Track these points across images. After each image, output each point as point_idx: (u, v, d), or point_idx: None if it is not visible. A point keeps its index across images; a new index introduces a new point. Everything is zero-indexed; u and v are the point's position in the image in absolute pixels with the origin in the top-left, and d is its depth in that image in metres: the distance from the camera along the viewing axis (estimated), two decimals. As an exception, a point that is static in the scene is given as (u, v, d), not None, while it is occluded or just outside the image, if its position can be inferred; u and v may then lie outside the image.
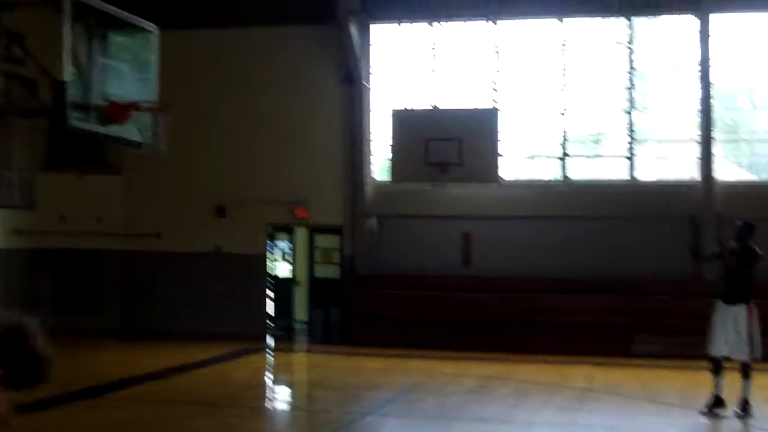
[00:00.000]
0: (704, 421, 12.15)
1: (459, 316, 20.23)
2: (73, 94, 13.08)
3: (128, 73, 14.41)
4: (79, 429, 11.03)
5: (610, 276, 20.25)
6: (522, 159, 21.52)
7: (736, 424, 11.97)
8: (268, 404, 14.08)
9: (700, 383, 15.52)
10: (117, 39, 14.66)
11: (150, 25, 14.86)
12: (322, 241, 22.66)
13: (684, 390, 14.78)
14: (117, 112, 13.77)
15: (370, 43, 21.98)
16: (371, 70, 22.03)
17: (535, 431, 11.49)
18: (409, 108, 21.12)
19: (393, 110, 20.52)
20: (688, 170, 20.69)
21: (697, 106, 20.45)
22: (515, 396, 13.87)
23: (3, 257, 20.78)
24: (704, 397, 14.05)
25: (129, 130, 14.23)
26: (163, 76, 15.20)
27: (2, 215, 20.79)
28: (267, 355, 19.63)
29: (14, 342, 3.09)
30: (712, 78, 20.30)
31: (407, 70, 21.93)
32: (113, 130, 13.96)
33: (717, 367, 12.33)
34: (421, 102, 21.67)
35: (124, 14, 14.28)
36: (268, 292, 22.47)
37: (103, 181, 22.56)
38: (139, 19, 14.69)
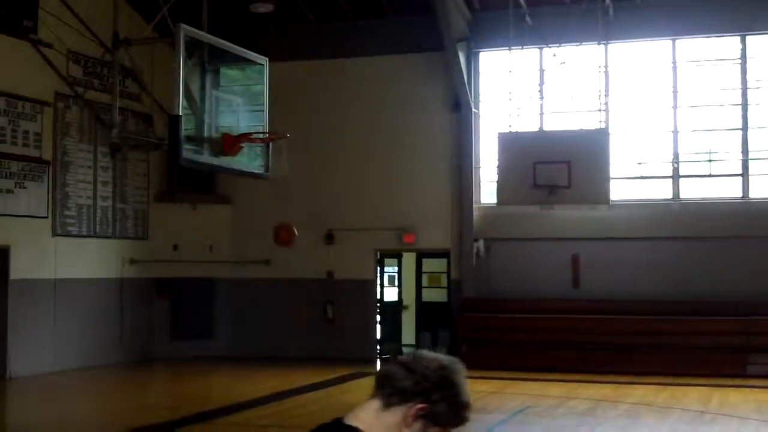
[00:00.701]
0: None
1: (568, 339, 20.12)
2: (186, 127, 13.47)
3: (240, 104, 14.80)
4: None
5: (724, 297, 19.94)
6: (632, 179, 21.34)
7: None
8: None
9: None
10: (228, 72, 15.08)
11: (260, 58, 15.23)
12: (430, 265, 22.81)
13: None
14: (229, 143, 14.12)
15: (479, 69, 22.14)
16: (480, 96, 22.18)
17: (648, 454, 11.40)
18: (515, 131, 21.17)
19: (499, 133, 20.59)
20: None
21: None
22: (626, 418, 13.76)
23: (120, 286, 21.39)
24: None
25: (241, 161, 14.58)
26: (273, 106, 15.56)
27: (119, 246, 21.42)
28: (377, 380, 19.75)
29: (445, 380, 3.25)
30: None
31: (515, 94, 21.99)
32: (226, 161, 14.32)
33: None
34: (529, 125, 21.72)
35: (236, 48, 14.67)
36: (377, 316, 22.70)
37: (214, 210, 23.09)
38: (250, 52, 15.08)
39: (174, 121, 13.11)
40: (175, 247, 22.66)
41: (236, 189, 22.65)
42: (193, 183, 22.01)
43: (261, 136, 14.53)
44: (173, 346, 22.40)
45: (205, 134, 13.89)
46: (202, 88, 14.12)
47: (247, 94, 15.30)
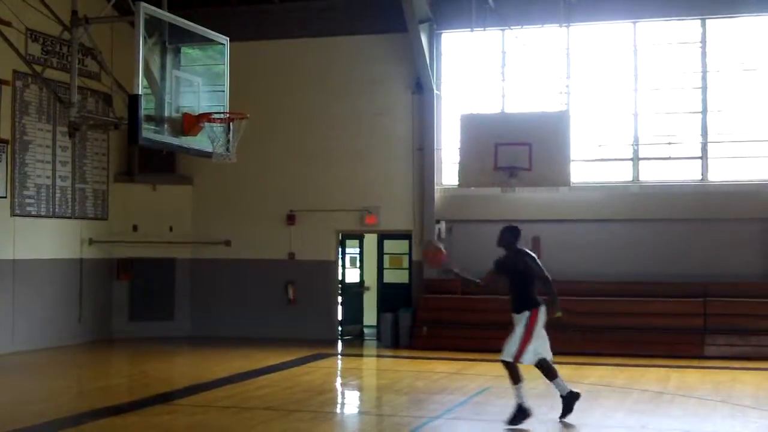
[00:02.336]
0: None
1: (529, 320, 20.18)
2: (146, 106, 13.37)
3: (200, 84, 14.70)
4: (154, 433, 11.29)
5: (682, 279, 20.15)
6: (592, 162, 21.45)
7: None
8: (337, 409, 14.23)
9: (773, 386, 15.46)
10: (189, 51, 14.98)
11: (221, 37, 15.14)
12: (392, 246, 22.84)
13: (758, 392, 14.67)
14: (190, 123, 14.05)
15: (441, 50, 22.15)
16: (442, 78, 22.18)
17: (606, 435, 11.50)
18: (477, 112, 21.21)
19: (461, 115, 20.62)
20: (762, 170, 20.49)
21: (770, 105, 20.29)
22: (586, 399, 13.81)
23: (79, 266, 21.26)
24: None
25: (201, 141, 14.50)
26: (234, 86, 15.47)
27: (78, 226, 21.28)
28: (337, 360, 19.82)
29: None
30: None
31: (477, 75, 22.03)
32: (186, 141, 14.24)
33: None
34: (491, 107, 21.77)
35: (197, 27, 14.57)
36: (338, 297, 22.73)
37: (174, 190, 22.99)
38: (211, 31, 14.98)
39: (134, 100, 13.03)
40: (135, 228, 22.58)
41: (197, 169, 22.58)
42: (153, 163, 21.88)
43: (221, 116, 14.46)
44: (133, 327, 22.33)
45: (166, 114, 13.81)
46: (163, 67, 14.03)
47: (208, 74, 15.20)
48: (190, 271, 23.14)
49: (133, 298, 22.65)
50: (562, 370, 16.72)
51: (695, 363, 18.12)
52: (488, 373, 16.70)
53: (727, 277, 20.03)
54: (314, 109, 22.62)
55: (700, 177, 20.82)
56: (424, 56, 21.39)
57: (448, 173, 22.13)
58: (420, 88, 21.85)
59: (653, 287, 20.20)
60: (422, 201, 21.86)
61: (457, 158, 20.78)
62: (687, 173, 21.00)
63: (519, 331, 12.16)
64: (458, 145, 20.58)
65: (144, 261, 22.54)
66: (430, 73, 21.64)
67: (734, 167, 20.79)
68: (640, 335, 19.50)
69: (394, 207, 22.07)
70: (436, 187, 21.83)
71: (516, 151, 19.53)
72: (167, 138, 13.90)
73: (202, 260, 23.02)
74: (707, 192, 20.58)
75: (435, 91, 21.84)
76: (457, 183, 21.14)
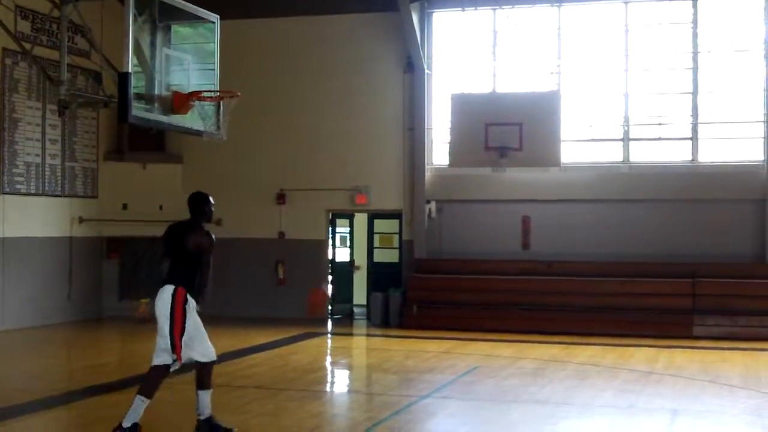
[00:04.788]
0: None
1: (518, 300, 20.29)
2: (136, 84, 13.31)
3: (190, 62, 14.63)
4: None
5: (672, 259, 20.21)
6: (583, 142, 21.46)
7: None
8: (327, 387, 14.27)
9: (762, 364, 15.54)
10: (179, 29, 14.88)
11: (212, 15, 15.06)
12: (382, 226, 22.86)
13: (746, 371, 14.75)
14: (179, 101, 13.97)
15: (432, 30, 22.10)
16: (433, 57, 22.14)
17: (594, 413, 11.53)
18: (468, 92, 21.19)
19: (452, 94, 20.61)
20: (753, 151, 20.53)
21: (763, 85, 20.28)
22: (575, 378, 13.92)
23: (69, 245, 21.23)
24: (766, 377, 14.05)
25: (191, 119, 14.44)
26: (224, 64, 15.41)
27: (68, 204, 21.24)
28: (327, 339, 19.85)
29: None
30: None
31: (469, 55, 22.02)
32: (176, 119, 14.18)
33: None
34: (482, 87, 21.76)
35: (187, 5, 14.48)
36: (328, 277, 22.75)
37: (164, 169, 22.94)
38: (201, 9, 14.89)
39: (123, 78, 12.94)
40: (125, 206, 22.54)
41: (187, 148, 22.54)
42: (143, 141, 21.77)
43: (212, 94, 14.41)
44: (123, 306, 22.31)
45: (155, 92, 13.72)
46: (153, 45, 13.93)
47: (199, 53, 15.09)
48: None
49: (123, 277, 22.64)
50: (551, 350, 16.91)
51: (684, 343, 18.20)
52: (478, 352, 16.76)
53: (717, 258, 20.10)
54: (305, 88, 22.57)
55: (690, 158, 20.85)
56: (415, 35, 21.34)
57: (438, 153, 22.12)
58: (411, 67, 21.82)
59: (643, 267, 20.25)
60: (413, 181, 21.86)
61: (448, 138, 20.78)
62: (677, 154, 21.03)
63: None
64: (449, 124, 20.58)
65: (134, 240, 22.51)
66: (421, 52, 21.60)
67: (725, 148, 20.81)
68: (629, 315, 19.57)
69: (384, 186, 22.07)
70: (426, 167, 21.83)
71: (507, 131, 19.54)
72: (157, 116, 13.83)
73: (192, 239, 22.95)
74: (697, 173, 20.61)
75: (426, 71, 21.80)
76: (447, 163, 21.14)
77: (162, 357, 9.62)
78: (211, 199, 10.02)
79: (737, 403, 12.11)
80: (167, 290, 9.66)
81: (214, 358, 9.79)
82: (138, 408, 9.41)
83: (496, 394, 12.70)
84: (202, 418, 9.72)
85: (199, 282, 9.63)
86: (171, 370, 9.64)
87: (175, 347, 9.52)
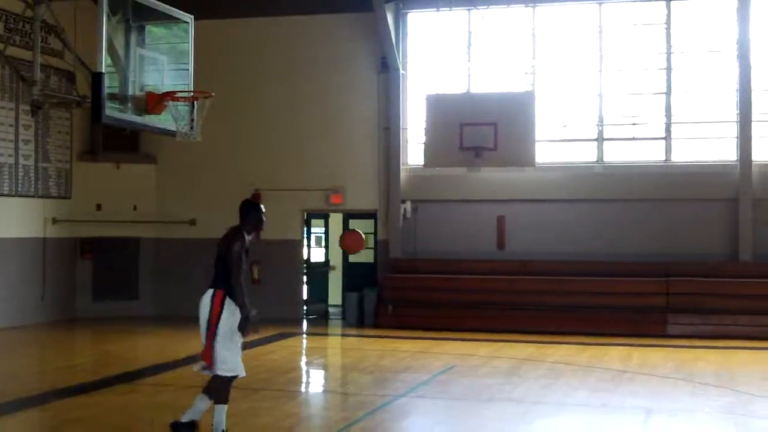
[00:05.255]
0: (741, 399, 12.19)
1: (493, 299, 20.34)
2: (110, 84, 13.27)
3: (165, 63, 14.60)
4: (115, 413, 11.23)
5: (646, 258, 20.32)
6: (557, 142, 21.53)
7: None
8: (302, 388, 14.26)
9: (735, 362, 15.65)
10: (153, 30, 14.85)
11: (186, 16, 15.03)
12: (357, 226, 22.82)
13: (720, 370, 14.85)
14: (153, 101, 13.95)
15: (407, 30, 22.12)
16: (408, 57, 22.16)
17: (568, 412, 11.58)
18: (443, 92, 21.22)
19: (427, 95, 20.63)
20: (725, 151, 20.66)
21: (735, 86, 20.41)
22: (549, 377, 13.97)
23: (42, 246, 21.12)
24: (741, 376, 14.15)
25: (165, 120, 14.41)
26: (199, 65, 15.38)
27: (41, 205, 21.12)
28: (302, 339, 19.83)
29: None
30: (750, 58, 20.25)
31: (444, 55, 22.07)
32: (149, 119, 14.15)
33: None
34: (457, 87, 21.80)
35: (161, 5, 14.44)
36: (303, 277, 22.73)
37: (138, 170, 22.87)
38: (175, 9, 14.85)
39: (97, 78, 12.92)
40: (99, 207, 22.44)
41: (161, 148, 22.46)
42: (117, 142, 21.69)
43: (186, 95, 14.38)
44: (96, 307, 22.23)
45: (129, 92, 13.71)
46: (126, 45, 13.91)
47: (173, 53, 15.09)
48: (155, 250, 23.05)
49: (97, 278, 22.54)
50: (526, 349, 16.96)
51: (657, 342, 18.30)
52: (452, 351, 16.79)
53: (690, 257, 20.22)
54: (280, 89, 22.54)
55: (664, 157, 20.97)
56: (390, 36, 21.36)
57: (413, 153, 22.14)
58: (386, 67, 21.83)
59: (617, 267, 20.35)
60: (388, 181, 21.88)
61: (423, 138, 20.79)
62: (651, 154, 21.14)
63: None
64: (424, 124, 20.60)
65: (108, 240, 22.43)
66: (396, 52, 21.62)
67: (698, 148, 20.94)
68: (603, 314, 19.65)
69: (359, 186, 22.08)
70: (401, 167, 21.85)
71: (481, 131, 19.56)
72: (131, 116, 13.81)
73: (166, 240, 22.94)
74: (671, 172, 20.72)
75: (401, 71, 21.82)
76: (422, 163, 21.15)
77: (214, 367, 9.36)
78: (262, 207, 10.08)
79: (710, 401, 12.19)
80: (207, 294, 9.71)
81: (236, 374, 9.48)
82: (221, 415, 9.33)
83: (471, 393, 12.73)
84: (183, 419, 9.38)
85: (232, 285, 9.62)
86: (203, 372, 9.50)
87: (206, 352, 9.40)
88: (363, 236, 10.12)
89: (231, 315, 9.47)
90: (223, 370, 9.34)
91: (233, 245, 9.73)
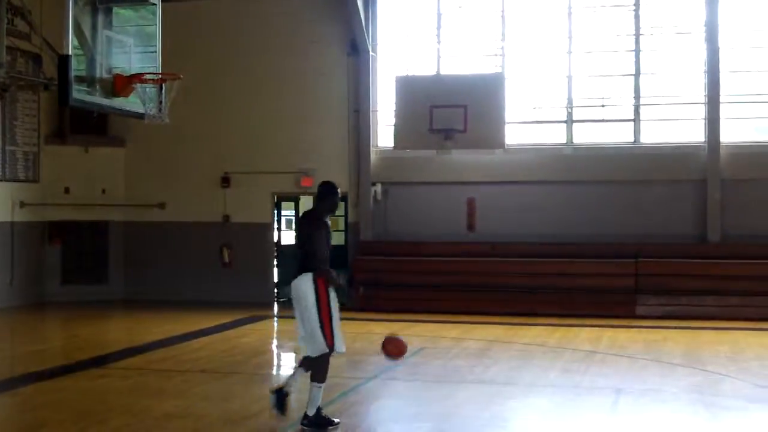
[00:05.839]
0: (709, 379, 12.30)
1: (463, 281, 20.38)
2: (77, 67, 13.17)
3: (132, 45, 14.50)
4: (86, 397, 11.18)
5: (615, 239, 20.41)
6: (527, 124, 21.57)
7: (741, 384, 12.08)
8: (274, 370, 14.25)
9: (703, 343, 15.77)
10: (121, 12, 14.75)
11: (153, -3, 14.93)
12: (327, 208, 22.78)
13: (686, 349, 14.97)
14: (121, 84, 13.87)
15: (377, 12, 22.04)
16: (377, 39, 22.10)
17: (539, 393, 11.64)
18: (413, 74, 21.20)
19: (396, 77, 20.61)
20: (694, 133, 20.77)
21: (704, 67, 20.51)
22: (519, 359, 14.04)
23: (10, 230, 20.96)
24: (709, 356, 14.27)
25: (133, 102, 14.33)
26: (167, 47, 15.28)
27: (9, 189, 20.95)
28: (273, 322, 19.81)
29: None
30: (718, 40, 20.35)
31: (413, 37, 22.03)
32: (117, 102, 14.07)
33: None
34: (426, 69, 21.77)
35: (128, -13, 14.36)
36: (274, 260, 22.69)
37: (107, 153, 22.72)
38: (142, -9, 14.76)
39: (64, 61, 12.82)
40: (67, 190, 22.28)
41: (130, 131, 22.31)
42: (85, 124, 21.50)
43: (153, 77, 14.29)
44: (66, 290, 22.10)
45: (97, 75, 13.63)
46: (94, 27, 13.81)
47: (140, 35, 15.00)
48: (124, 234, 22.94)
49: (66, 262, 22.41)
50: (496, 331, 17.01)
51: (627, 323, 18.41)
52: (424, 334, 16.82)
53: (659, 238, 20.34)
54: (249, 70, 22.43)
55: (633, 139, 21.05)
56: (360, 18, 21.28)
57: (383, 135, 22.12)
58: (356, 49, 21.77)
59: (586, 248, 20.43)
60: (358, 163, 21.85)
61: (393, 120, 20.77)
62: (620, 135, 21.22)
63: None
64: (394, 107, 20.57)
65: (76, 224, 22.30)
66: (366, 34, 21.55)
67: (666, 130, 21.04)
68: (573, 296, 19.75)
69: (329, 169, 21.99)
70: (371, 149, 21.83)
71: (451, 113, 19.56)
72: (98, 99, 13.72)
73: (135, 223, 22.82)
74: (640, 154, 20.82)
75: (371, 53, 21.76)
76: (392, 145, 21.13)
77: (312, 347, 9.49)
78: (337, 189, 9.96)
79: (679, 381, 12.28)
80: (303, 280, 9.57)
81: (342, 350, 9.62)
82: (317, 396, 9.43)
83: (442, 374, 12.78)
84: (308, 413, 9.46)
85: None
86: (330, 356, 9.54)
87: (326, 335, 9.40)
88: (406, 343, 10.08)
89: (334, 294, 9.62)
90: (338, 346, 9.51)
91: (309, 229, 9.75)
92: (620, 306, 19.44)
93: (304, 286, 9.52)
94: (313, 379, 9.47)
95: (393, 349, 10.04)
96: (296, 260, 9.84)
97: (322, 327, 9.40)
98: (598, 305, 19.44)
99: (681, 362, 13.69)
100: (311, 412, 9.43)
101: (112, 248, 22.92)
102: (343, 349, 9.58)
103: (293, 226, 23.57)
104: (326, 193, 9.87)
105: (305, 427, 9.42)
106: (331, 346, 9.40)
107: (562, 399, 11.32)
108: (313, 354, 9.49)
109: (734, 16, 20.66)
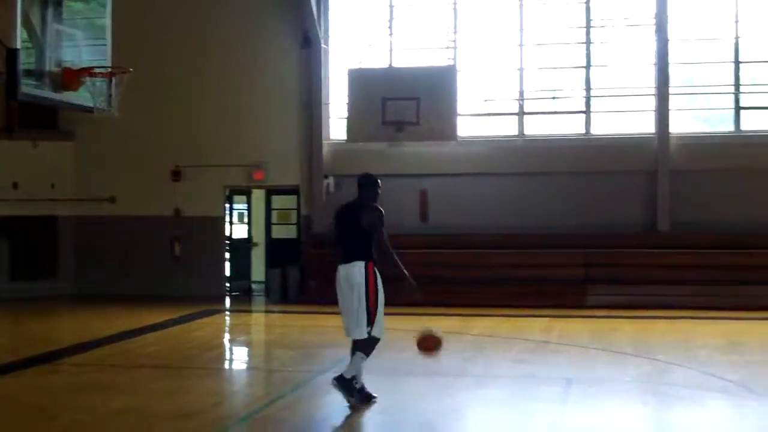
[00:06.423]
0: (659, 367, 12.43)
1: (415, 273, 20.27)
2: (26, 60, 13.05)
3: (82, 38, 14.38)
4: (36, 393, 11.08)
5: (565, 230, 20.57)
6: (479, 116, 21.66)
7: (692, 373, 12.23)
8: (226, 365, 14.22)
9: (652, 332, 15.95)
10: (71, 4, 14.62)
11: (103, -10, 14.82)
12: (280, 202, 22.79)
13: (636, 339, 15.13)
14: (70, 77, 13.76)
15: (329, 4, 22.00)
16: (330, 32, 22.07)
17: (491, 384, 11.71)
18: (365, 67, 21.20)
19: (349, 69, 20.61)
20: (643, 124, 20.97)
21: (653, 59, 20.71)
22: (471, 350, 14.10)
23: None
24: (657, 345, 14.43)
25: (82, 96, 14.21)
26: (118, 40, 15.17)
27: (-44, 183, 20.68)
28: (225, 316, 19.75)
29: None
30: (667, 31, 20.55)
31: (365, 29, 22.02)
32: (66, 96, 13.95)
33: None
34: (379, 62, 21.78)
35: (77, -21, 14.23)
36: (226, 254, 22.61)
37: (56, 147, 22.49)
38: (92, -17, 14.64)
39: (12, 54, 12.71)
40: (15, 185, 22.00)
41: (79, 124, 22.10)
42: (33, 118, 21.32)
43: (103, 70, 14.19)
44: (14, 287, 21.84)
45: (46, 68, 13.51)
46: (43, 20, 13.69)
47: (90, 28, 14.89)
48: (74, 228, 22.74)
49: (14, 257, 22.15)
50: (449, 322, 17.07)
51: (578, 312, 18.56)
52: (377, 326, 16.82)
53: (609, 228, 20.53)
54: (200, 63, 22.30)
55: (584, 131, 21.22)
56: (312, 10, 21.23)
57: (336, 128, 22.10)
58: (307, 42, 21.72)
59: (537, 239, 20.58)
60: (310, 156, 21.82)
61: (345, 113, 20.77)
62: (571, 127, 21.37)
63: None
64: (346, 99, 20.57)
65: (25, 219, 22.05)
66: (318, 27, 21.52)
67: (617, 121, 21.23)
68: (524, 286, 19.87)
69: (281, 162, 21.99)
70: (324, 142, 21.80)
71: (404, 105, 19.60)
72: (47, 93, 13.61)
73: (85, 217, 22.63)
74: (591, 145, 20.98)
75: (323, 45, 21.73)
76: (345, 138, 21.12)
77: (357, 330, 10.18)
78: (378, 181, 10.74)
79: (629, 370, 12.42)
80: (354, 267, 10.32)
81: (381, 336, 10.35)
82: (358, 364, 10.13)
83: (394, 366, 12.80)
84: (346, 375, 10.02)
85: (382, 252, 10.51)
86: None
87: (371, 320, 10.15)
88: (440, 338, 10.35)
89: (380, 282, 10.43)
90: (377, 332, 10.25)
91: (377, 218, 10.48)
92: (571, 296, 19.59)
93: (358, 273, 10.29)
94: (358, 349, 10.12)
95: (430, 344, 10.61)
96: (344, 246, 10.56)
97: (368, 314, 10.16)
98: (549, 295, 19.58)
99: (631, 351, 13.83)
100: (348, 375, 9.99)
101: (62, 243, 22.71)
102: (382, 336, 10.32)
103: (245, 220, 23.49)
104: (372, 184, 10.70)
105: (334, 386, 10.00)
106: (370, 332, 10.10)
107: (513, 389, 11.40)
108: (359, 337, 10.12)
109: (683, 7, 20.88)
